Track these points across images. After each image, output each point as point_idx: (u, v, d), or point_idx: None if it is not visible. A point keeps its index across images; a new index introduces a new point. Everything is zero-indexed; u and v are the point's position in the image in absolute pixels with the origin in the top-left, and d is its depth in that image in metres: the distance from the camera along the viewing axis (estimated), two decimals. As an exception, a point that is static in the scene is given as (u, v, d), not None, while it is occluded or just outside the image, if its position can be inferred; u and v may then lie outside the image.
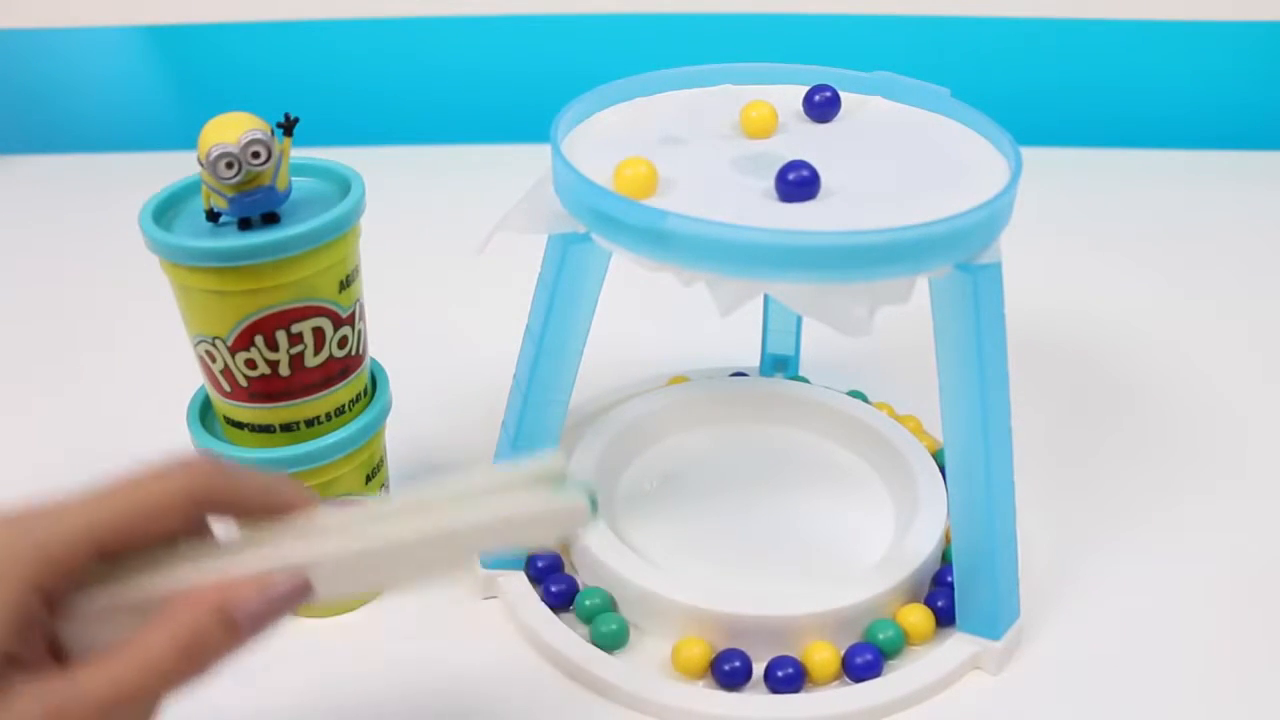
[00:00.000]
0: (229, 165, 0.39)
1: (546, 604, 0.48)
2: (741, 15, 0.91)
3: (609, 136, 0.45)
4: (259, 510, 0.31)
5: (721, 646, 0.45)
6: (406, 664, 0.47)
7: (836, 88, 0.47)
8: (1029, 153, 0.42)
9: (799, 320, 0.62)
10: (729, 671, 0.44)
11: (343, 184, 0.44)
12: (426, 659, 0.47)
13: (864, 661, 0.45)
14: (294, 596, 0.30)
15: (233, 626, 0.28)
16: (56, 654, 0.28)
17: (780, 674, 0.44)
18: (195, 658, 0.28)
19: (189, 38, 0.98)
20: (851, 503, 0.53)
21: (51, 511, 0.28)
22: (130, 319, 0.71)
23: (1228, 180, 0.92)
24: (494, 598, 0.50)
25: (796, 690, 0.45)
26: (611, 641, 0.46)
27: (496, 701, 0.45)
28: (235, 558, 0.30)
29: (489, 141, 0.96)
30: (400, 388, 0.48)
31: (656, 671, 0.46)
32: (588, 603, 0.47)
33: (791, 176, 0.40)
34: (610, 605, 0.47)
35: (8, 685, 0.26)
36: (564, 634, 0.47)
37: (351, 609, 0.49)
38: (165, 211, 0.42)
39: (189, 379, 0.46)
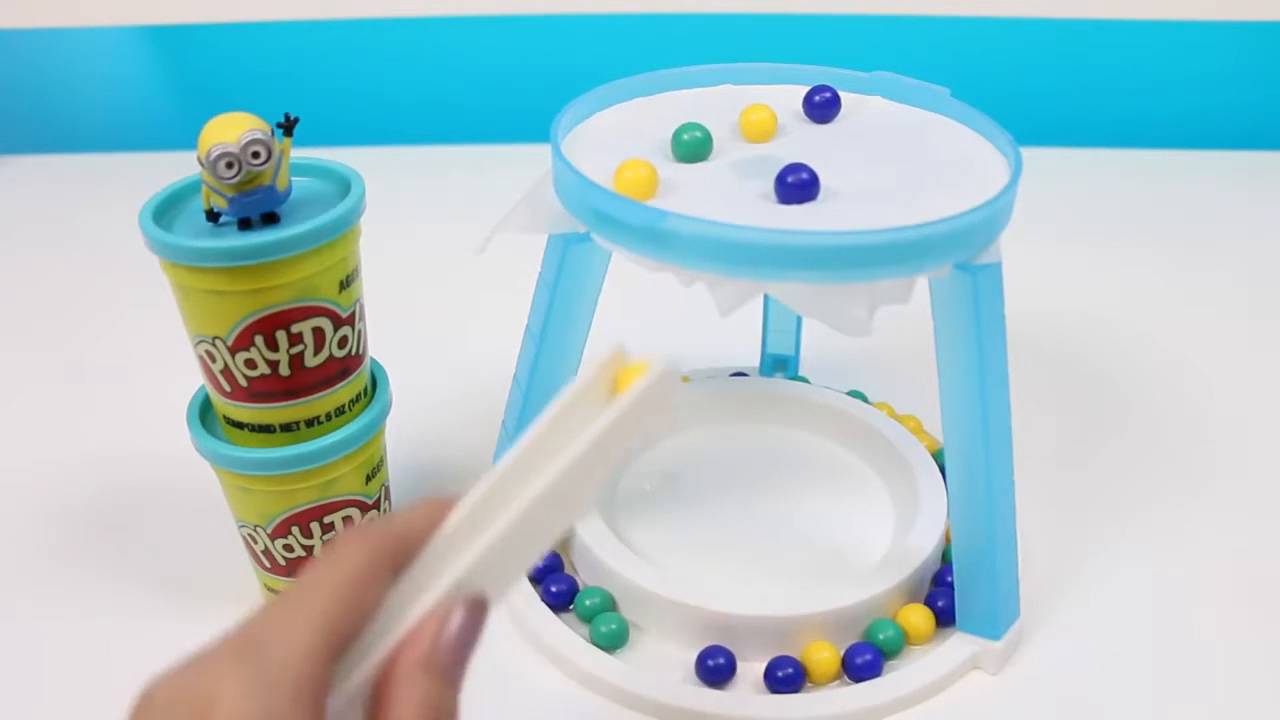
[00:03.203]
0: (229, 165, 0.39)
1: (546, 604, 0.48)
2: (741, 15, 0.91)
3: (609, 136, 0.45)
4: (427, 538, 0.30)
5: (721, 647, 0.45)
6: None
7: (836, 88, 0.47)
8: (1029, 153, 0.42)
9: (799, 320, 0.62)
10: (712, 668, 0.44)
11: (343, 184, 0.44)
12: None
13: (864, 661, 0.45)
14: (475, 616, 0.29)
15: (447, 676, 0.28)
16: None
17: (780, 674, 0.44)
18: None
19: (189, 38, 0.98)
20: (851, 503, 0.53)
21: (278, 637, 0.26)
22: (130, 319, 0.71)
23: (1228, 180, 0.92)
24: (494, 598, 0.50)
25: (796, 690, 0.45)
26: (611, 641, 0.46)
27: (496, 701, 0.45)
28: (412, 600, 0.29)
29: (489, 141, 0.96)
30: (400, 388, 0.48)
31: (656, 671, 0.46)
32: (588, 602, 0.47)
33: (790, 179, 0.40)
34: (610, 605, 0.47)
35: None
36: (564, 634, 0.47)
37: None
38: (165, 211, 0.42)
39: (189, 379, 0.46)
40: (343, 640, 0.27)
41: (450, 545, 0.29)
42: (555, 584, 0.48)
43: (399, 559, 0.29)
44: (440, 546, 0.29)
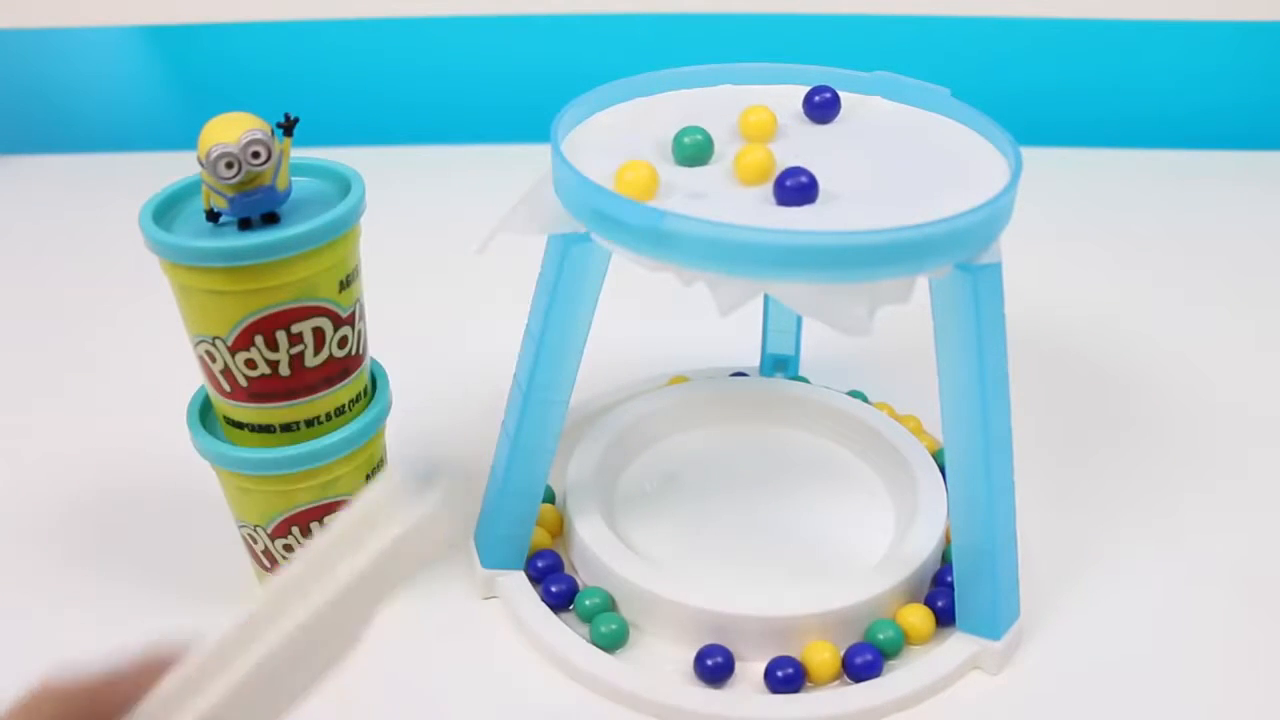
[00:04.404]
0: (229, 165, 0.39)
1: (546, 604, 0.48)
2: (741, 15, 0.91)
3: (609, 136, 0.45)
4: (134, 702, 0.25)
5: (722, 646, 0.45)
6: (407, 664, 0.47)
7: (836, 88, 0.47)
8: (1029, 153, 0.42)
9: (799, 320, 0.62)
10: (711, 667, 0.44)
11: (343, 184, 0.44)
12: (426, 659, 0.47)
13: (864, 661, 0.45)
14: None
15: None
16: None
17: (780, 674, 0.44)
18: None
19: (189, 38, 0.98)
20: (851, 503, 0.53)
21: None
22: (130, 319, 0.71)
23: (1228, 180, 0.92)
24: (494, 598, 0.50)
25: (796, 690, 0.45)
26: (611, 641, 0.46)
27: (496, 702, 0.45)
28: None
29: (489, 141, 0.96)
30: (400, 388, 0.48)
31: (655, 671, 0.46)
32: (587, 602, 0.47)
33: (789, 183, 0.40)
34: (610, 605, 0.47)
35: None
36: (564, 634, 0.47)
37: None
38: (165, 211, 0.42)
39: (189, 379, 0.46)
40: None
41: (189, 690, 0.25)
42: (555, 584, 0.48)
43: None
44: (177, 689, 0.25)
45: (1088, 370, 0.67)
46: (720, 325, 0.43)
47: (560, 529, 0.52)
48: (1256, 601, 0.50)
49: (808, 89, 0.47)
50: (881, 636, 0.46)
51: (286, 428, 0.44)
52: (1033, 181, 0.46)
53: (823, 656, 0.45)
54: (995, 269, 0.40)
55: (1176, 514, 0.55)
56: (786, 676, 0.44)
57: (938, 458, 0.54)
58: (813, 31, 0.93)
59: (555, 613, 0.48)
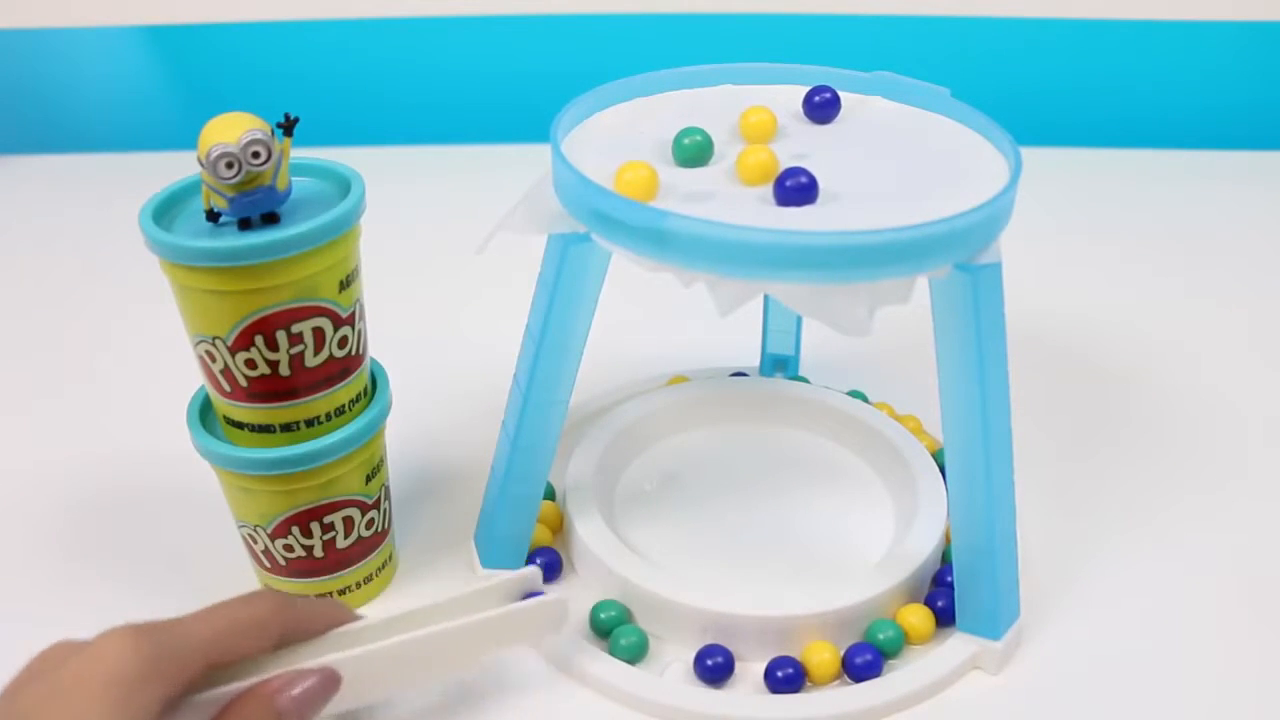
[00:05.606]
0: (229, 165, 0.39)
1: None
2: (741, 15, 0.91)
3: (609, 136, 0.45)
4: (320, 630, 0.38)
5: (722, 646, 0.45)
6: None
7: (836, 88, 0.47)
8: (1029, 153, 0.42)
9: (799, 320, 0.62)
10: (711, 666, 0.44)
11: (343, 184, 0.44)
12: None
13: (864, 661, 0.45)
14: (325, 686, 0.36)
15: (276, 714, 0.35)
16: None
17: (780, 674, 0.44)
18: None
19: (189, 38, 0.98)
20: (851, 503, 0.53)
21: (177, 627, 0.34)
22: (130, 319, 0.71)
23: (1228, 180, 0.92)
24: (494, 598, 0.50)
25: (796, 690, 0.45)
26: (633, 654, 0.46)
27: (495, 702, 0.45)
28: (290, 663, 0.37)
29: (489, 141, 0.96)
30: (400, 388, 0.48)
31: (655, 671, 0.45)
32: (602, 615, 0.47)
33: (789, 183, 0.40)
34: (628, 617, 0.47)
35: None
36: (563, 632, 0.46)
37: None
38: (165, 211, 0.42)
39: (189, 379, 0.46)
40: (223, 655, 0.35)
41: (337, 643, 0.38)
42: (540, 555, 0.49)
43: (290, 630, 0.37)
44: (330, 640, 0.38)
45: (1088, 370, 0.67)
46: (720, 325, 0.43)
47: (561, 526, 0.52)
48: (1256, 601, 0.50)
49: (808, 89, 0.47)
50: (881, 636, 0.46)
51: (286, 428, 0.44)
52: (1033, 181, 0.46)
53: (823, 656, 0.45)
54: (995, 269, 0.39)
55: (1177, 514, 0.55)
56: (786, 676, 0.44)
57: (938, 458, 0.54)
58: (813, 31, 0.93)
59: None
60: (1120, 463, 0.59)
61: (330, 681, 0.37)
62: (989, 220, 0.39)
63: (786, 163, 0.41)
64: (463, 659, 0.41)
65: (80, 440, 0.60)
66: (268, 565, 0.48)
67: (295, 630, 0.37)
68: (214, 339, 0.42)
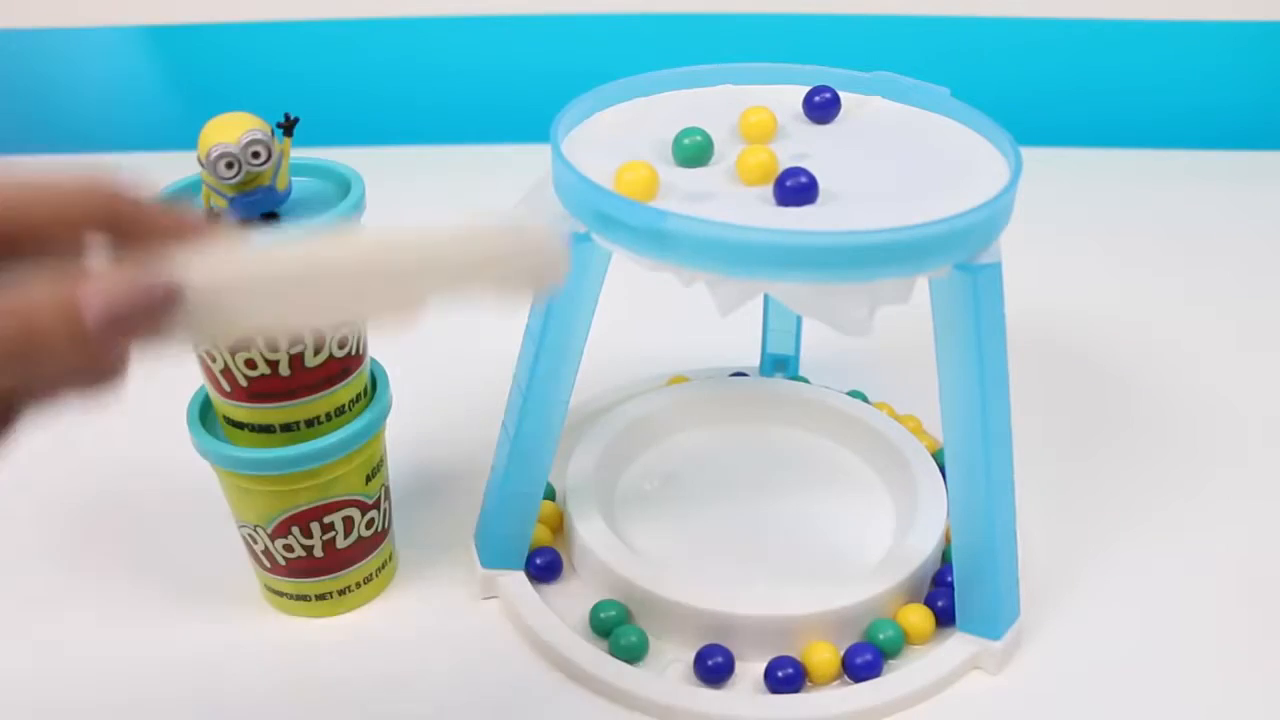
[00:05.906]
0: (229, 165, 0.39)
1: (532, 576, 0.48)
2: (741, 15, 0.91)
3: (609, 136, 0.45)
4: (156, 231, 0.26)
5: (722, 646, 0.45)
6: (406, 664, 0.47)
7: (836, 88, 0.47)
8: (1029, 153, 0.42)
9: (799, 320, 0.62)
10: (711, 666, 0.44)
11: (343, 184, 0.44)
12: (426, 659, 0.47)
13: (864, 661, 0.45)
14: (157, 300, 0.24)
15: (77, 324, 0.23)
16: None
17: (780, 674, 0.44)
18: (18, 356, 0.23)
19: (189, 38, 0.98)
20: (851, 503, 0.53)
21: None
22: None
23: (1228, 180, 0.92)
24: (494, 598, 0.50)
25: (796, 690, 0.45)
26: (632, 654, 0.46)
27: (496, 702, 0.45)
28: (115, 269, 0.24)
29: (489, 141, 0.96)
30: (400, 388, 0.48)
31: (655, 671, 0.46)
32: (602, 615, 0.47)
33: (789, 183, 0.40)
34: (628, 617, 0.47)
35: None
36: (564, 634, 0.47)
37: (350, 609, 0.49)
38: (165, 211, 0.42)
39: (189, 379, 0.46)
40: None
41: (218, 255, 0.25)
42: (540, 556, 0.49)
43: (112, 207, 0.26)
44: (206, 251, 0.25)
45: (1088, 370, 0.67)
46: (720, 325, 0.43)
47: (561, 525, 0.52)
48: (1256, 600, 0.50)
49: (808, 89, 0.47)
50: (882, 636, 0.46)
51: (286, 428, 0.44)
52: (1033, 181, 0.46)
53: (823, 656, 0.45)
54: (995, 269, 0.39)
55: (1177, 513, 0.55)
56: (786, 676, 0.44)
57: (938, 458, 0.54)
58: (813, 31, 0.93)
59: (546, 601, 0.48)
60: (1120, 463, 0.59)
61: (167, 295, 0.24)
62: (989, 220, 0.39)
63: (786, 163, 0.41)
64: (399, 285, 0.29)
65: (79, 440, 0.60)
66: (268, 565, 0.48)
67: (126, 218, 0.26)
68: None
